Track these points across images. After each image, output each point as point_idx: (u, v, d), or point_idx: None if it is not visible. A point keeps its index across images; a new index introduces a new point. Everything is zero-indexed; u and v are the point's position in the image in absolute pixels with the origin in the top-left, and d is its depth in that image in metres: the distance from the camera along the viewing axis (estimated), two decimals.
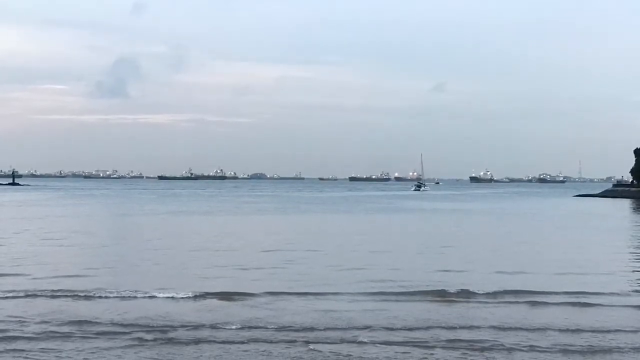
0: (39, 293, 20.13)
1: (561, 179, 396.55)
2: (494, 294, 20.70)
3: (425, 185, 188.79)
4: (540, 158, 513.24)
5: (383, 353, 14.05)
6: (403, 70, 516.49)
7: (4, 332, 15.37)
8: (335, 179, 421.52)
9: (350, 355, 13.91)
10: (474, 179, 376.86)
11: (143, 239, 39.93)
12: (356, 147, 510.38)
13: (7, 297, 19.46)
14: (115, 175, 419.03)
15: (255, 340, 14.92)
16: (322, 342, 14.79)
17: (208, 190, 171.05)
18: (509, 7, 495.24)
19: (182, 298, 19.62)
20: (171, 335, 15.36)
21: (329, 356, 13.82)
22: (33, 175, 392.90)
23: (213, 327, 16.12)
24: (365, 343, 14.78)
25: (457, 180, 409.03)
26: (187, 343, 14.70)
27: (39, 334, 15.35)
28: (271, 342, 14.84)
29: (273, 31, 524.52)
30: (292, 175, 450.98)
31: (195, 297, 19.82)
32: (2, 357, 13.56)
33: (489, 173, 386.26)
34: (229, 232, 45.17)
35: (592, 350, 14.42)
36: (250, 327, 16.07)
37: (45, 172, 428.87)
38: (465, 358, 13.82)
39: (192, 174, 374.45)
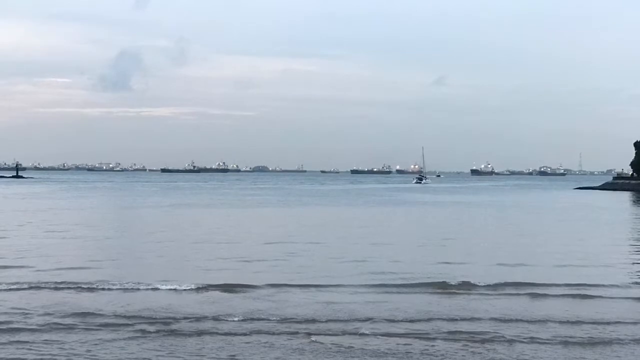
0: (42, 285, 20.24)
1: (561, 171, 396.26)
2: (495, 286, 20.76)
3: (426, 178, 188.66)
4: (541, 151, 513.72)
5: (384, 345, 14.12)
6: (404, 63, 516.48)
7: (7, 324, 15.47)
8: (337, 172, 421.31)
9: (352, 347, 13.97)
10: (475, 172, 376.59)
11: (146, 231, 40.04)
12: (358, 140, 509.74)
13: (10, 289, 19.55)
14: (118, 168, 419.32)
15: (258, 332, 15.01)
16: (324, 334, 14.87)
17: (210, 183, 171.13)
18: (508, 0, 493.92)
19: (185, 290, 19.71)
20: (174, 327, 15.44)
21: (330, 348, 13.88)
22: (36, 168, 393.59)
23: (215, 319, 16.20)
24: (367, 335, 14.85)
25: (458, 173, 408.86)
26: (190, 335, 14.79)
27: (42, 325, 15.43)
28: (273, 333, 14.92)
29: (275, 25, 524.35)
30: (295, 168, 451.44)
31: (198, 289, 19.90)
32: (6, 349, 13.64)
33: (489, 166, 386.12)
34: (231, 224, 45.28)
35: (592, 342, 14.48)
36: (252, 319, 16.15)
37: (49, 164, 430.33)
38: (466, 349, 13.88)
39: (194, 166, 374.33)
